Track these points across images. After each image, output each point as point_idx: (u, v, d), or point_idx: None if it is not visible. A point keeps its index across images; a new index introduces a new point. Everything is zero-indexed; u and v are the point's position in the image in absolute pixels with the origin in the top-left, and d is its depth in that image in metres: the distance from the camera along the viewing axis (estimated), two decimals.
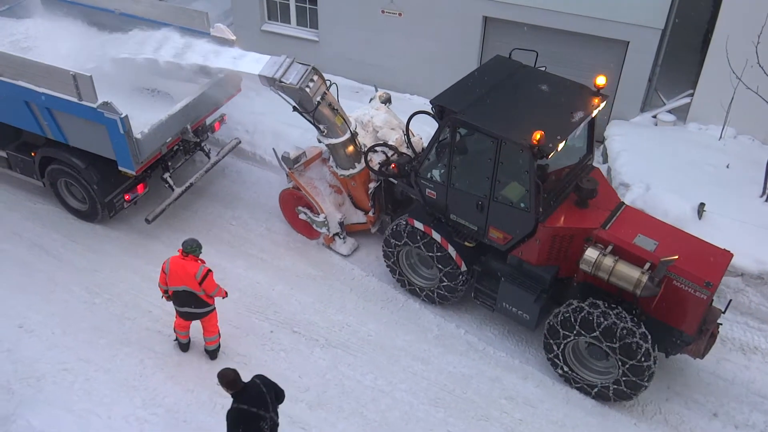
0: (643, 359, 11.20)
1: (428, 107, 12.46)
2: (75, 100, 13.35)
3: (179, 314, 12.19)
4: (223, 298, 12.21)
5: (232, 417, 9.55)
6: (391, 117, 14.79)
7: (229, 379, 9.61)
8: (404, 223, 13.36)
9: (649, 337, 11.24)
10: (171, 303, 12.15)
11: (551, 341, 12.22)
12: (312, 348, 13.08)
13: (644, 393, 12.20)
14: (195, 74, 14.92)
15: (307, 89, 13.02)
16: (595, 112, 11.94)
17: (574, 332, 11.72)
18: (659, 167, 15.24)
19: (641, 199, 14.25)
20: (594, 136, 12.72)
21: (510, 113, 11.74)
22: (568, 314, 11.75)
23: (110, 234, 15.41)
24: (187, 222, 15.70)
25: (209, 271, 11.68)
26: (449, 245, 12.95)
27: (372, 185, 14.51)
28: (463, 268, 13.06)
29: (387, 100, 15.06)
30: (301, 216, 14.97)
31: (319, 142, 14.15)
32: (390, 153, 14.21)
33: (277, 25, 20.92)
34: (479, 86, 12.34)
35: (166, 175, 15.26)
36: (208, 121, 15.95)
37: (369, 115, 14.76)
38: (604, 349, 11.51)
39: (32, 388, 12.19)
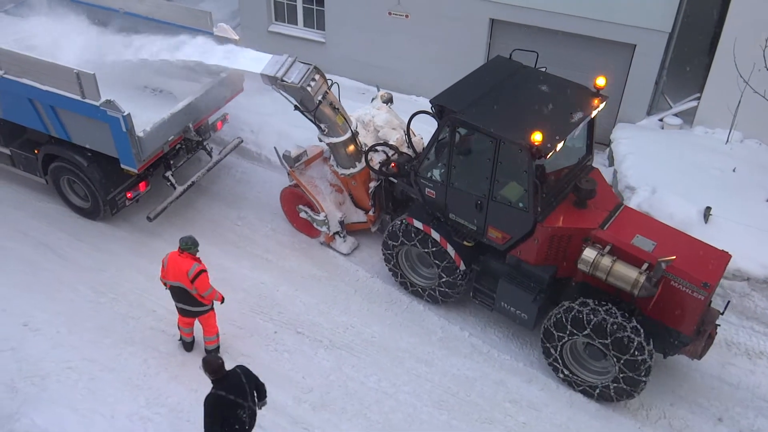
0: (636, 353, 11.20)
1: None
2: (78, 97, 13.43)
3: (178, 309, 12.23)
4: (220, 302, 12.20)
5: (210, 402, 9.68)
6: (393, 117, 14.84)
7: (214, 366, 9.76)
8: (401, 222, 13.45)
9: (642, 330, 11.26)
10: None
11: (548, 345, 12.30)
12: (316, 349, 13.08)
13: (649, 398, 12.23)
14: (198, 73, 14.99)
15: (309, 88, 13.07)
16: (594, 113, 11.99)
17: (567, 333, 11.80)
18: (665, 170, 15.20)
19: (647, 203, 14.22)
20: (594, 137, 12.73)
21: (509, 113, 11.78)
22: (559, 315, 11.85)
23: (116, 233, 15.44)
24: (193, 222, 15.72)
25: (202, 271, 11.66)
26: (448, 244, 12.99)
27: (372, 184, 14.56)
28: (462, 267, 13.08)
29: (388, 100, 15.11)
30: (302, 214, 15.03)
31: (320, 141, 14.20)
32: (391, 152, 14.25)
33: (284, 26, 20.92)
34: (479, 86, 12.40)
35: (168, 174, 15.29)
36: (211, 120, 15.99)
37: (370, 114, 14.82)
38: (597, 346, 11.56)
39: (36, 386, 12.20)
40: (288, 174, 15.03)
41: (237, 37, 15.21)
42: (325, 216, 14.61)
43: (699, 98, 17.26)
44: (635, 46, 16.62)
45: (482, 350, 13.16)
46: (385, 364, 12.87)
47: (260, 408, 10.38)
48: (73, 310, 13.58)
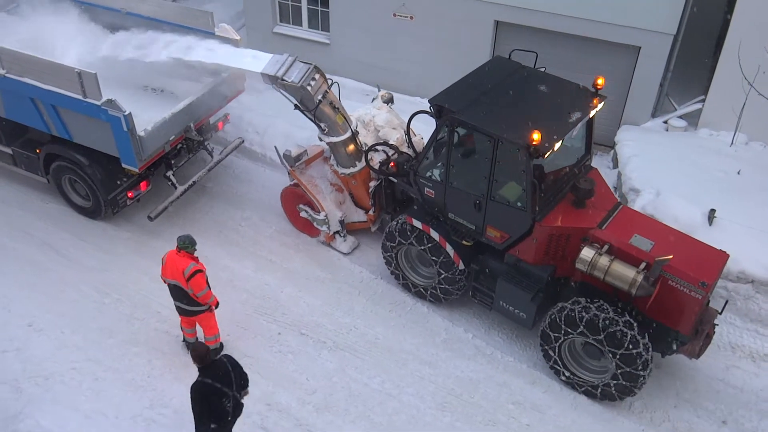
0: (631, 347, 11.23)
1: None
2: (80, 97, 13.49)
3: (176, 308, 12.25)
4: (214, 307, 12.21)
5: (196, 390, 9.82)
6: (393, 116, 14.87)
7: (199, 353, 9.89)
8: (397, 223, 13.53)
9: (635, 324, 11.28)
10: (163, 304, 12.24)
11: (546, 347, 12.37)
12: (319, 350, 13.09)
13: (652, 400, 12.25)
14: (199, 73, 15.06)
15: (309, 88, 13.13)
16: (592, 113, 12.04)
17: (562, 332, 11.88)
18: (670, 173, 15.17)
19: (651, 205, 14.20)
20: (592, 137, 12.78)
21: (508, 113, 11.81)
22: (554, 316, 11.93)
23: (121, 234, 15.47)
24: (198, 223, 15.74)
25: (198, 270, 11.67)
26: (447, 244, 13.02)
27: (372, 184, 14.60)
28: (461, 266, 13.12)
29: (389, 100, 15.15)
30: (302, 214, 15.07)
31: (320, 140, 14.25)
32: (390, 152, 14.29)
33: (288, 28, 20.94)
34: (478, 86, 12.45)
35: (169, 173, 15.35)
36: (212, 120, 16.06)
37: (371, 114, 14.87)
38: (592, 343, 11.62)
39: (41, 387, 12.23)
40: (288, 173, 15.08)
41: (238, 38, 15.27)
42: (326, 215, 14.66)
43: (704, 100, 17.23)
44: (640, 48, 16.60)
45: (486, 352, 13.15)
46: (388, 365, 12.86)
47: (242, 397, 10.46)
48: (77, 311, 13.60)
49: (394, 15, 18.96)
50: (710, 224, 13.77)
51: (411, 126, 13.64)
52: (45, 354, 12.77)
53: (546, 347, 12.37)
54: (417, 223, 13.19)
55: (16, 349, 12.84)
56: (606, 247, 11.33)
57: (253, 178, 17.27)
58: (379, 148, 14.34)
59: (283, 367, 12.74)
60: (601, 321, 11.33)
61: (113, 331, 13.23)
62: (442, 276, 13.34)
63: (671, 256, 10.83)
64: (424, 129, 13.99)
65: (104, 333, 13.18)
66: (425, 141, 13.93)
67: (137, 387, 12.25)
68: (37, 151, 15.41)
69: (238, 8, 22.84)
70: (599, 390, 12.05)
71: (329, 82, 13.61)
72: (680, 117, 17.55)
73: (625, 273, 10.98)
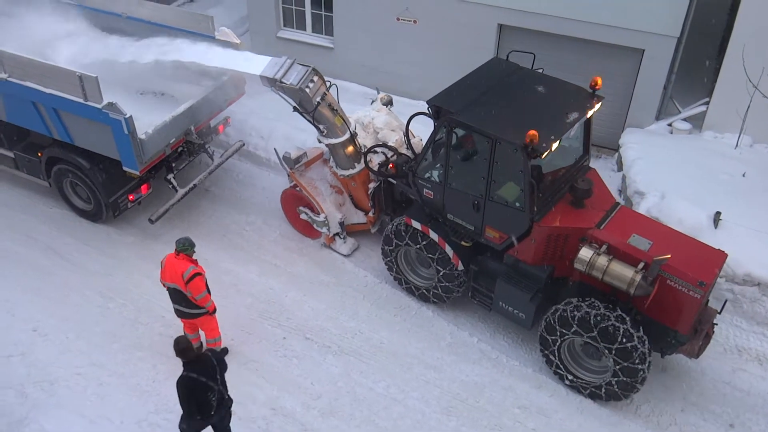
0: (624, 340, 11.25)
1: None
2: (81, 100, 13.53)
3: (175, 311, 12.25)
4: (210, 312, 12.20)
5: (182, 385, 9.96)
6: (392, 118, 14.91)
7: (180, 347, 10.01)
8: (395, 225, 13.63)
9: (627, 318, 11.30)
10: (167, 308, 12.27)
11: (546, 351, 12.45)
12: (324, 355, 13.06)
13: (659, 404, 12.23)
14: (200, 77, 15.10)
15: (307, 90, 13.17)
16: (590, 113, 12.07)
17: (558, 334, 11.95)
18: (674, 176, 15.14)
19: (656, 208, 14.17)
20: (590, 137, 12.79)
21: (505, 113, 11.84)
22: (548, 318, 12.01)
23: (125, 239, 15.47)
24: (202, 227, 15.75)
25: (197, 274, 11.69)
26: (446, 245, 13.06)
27: (372, 185, 14.65)
28: (460, 267, 13.14)
29: (388, 102, 15.21)
30: (302, 216, 15.10)
31: (319, 142, 14.27)
32: (390, 154, 14.31)
33: (292, 32, 20.96)
34: (476, 87, 12.48)
35: (170, 176, 15.38)
36: (213, 123, 16.10)
37: (370, 116, 14.91)
38: (588, 341, 11.68)
39: (45, 392, 12.22)
40: (288, 175, 15.12)
41: (238, 41, 15.32)
42: (325, 217, 14.70)
43: (708, 103, 17.21)
44: (644, 51, 16.59)
45: (491, 356, 13.12)
46: (393, 370, 12.84)
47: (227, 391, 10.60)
48: (81, 315, 13.60)
49: (398, 19, 18.97)
50: (716, 227, 13.74)
51: (410, 128, 13.67)
52: (49, 359, 12.76)
53: (546, 352, 12.44)
54: (416, 224, 13.22)
55: (21, 354, 12.84)
56: (604, 247, 11.35)
57: (257, 181, 17.27)
58: (378, 149, 14.38)
59: (287, 372, 12.72)
60: (592, 318, 11.41)
61: (117, 336, 13.22)
62: (441, 273, 13.36)
63: (669, 256, 10.85)
64: (424, 131, 13.97)
65: (108, 337, 13.17)
66: (424, 142, 13.97)
67: (142, 392, 12.24)
68: (39, 154, 15.46)
69: (242, 13, 22.90)
70: (603, 390, 12.02)
71: (328, 84, 13.64)
72: (684, 119, 17.53)
73: (623, 273, 11.00)
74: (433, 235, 13.09)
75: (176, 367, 12.47)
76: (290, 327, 13.57)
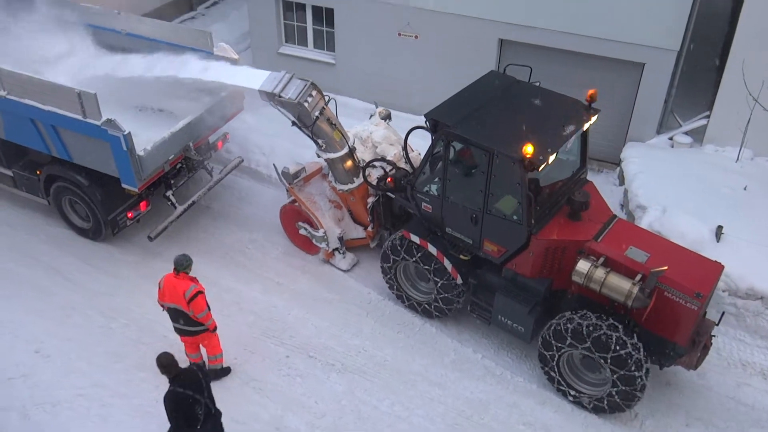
0: (618, 348, 11.28)
1: None
2: (80, 117, 13.57)
3: (175, 330, 12.25)
4: (211, 330, 12.19)
5: (169, 400, 10.02)
6: (391, 133, 14.93)
7: (163, 363, 10.10)
8: (391, 242, 13.68)
9: (619, 327, 11.36)
10: (170, 328, 12.31)
11: (546, 368, 12.50)
12: (328, 373, 13.03)
13: (664, 418, 12.21)
14: (198, 93, 15.12)
15: (306, 104, 13.22)
16: (586, 126, 12.14)
17: (554, 348, 12.03)
18: (676, 189, 15.14)
19: (658, 222, 14.15)
20: (587, 150, 12.85)
21: (502, 127, 11.94)
22: (544, 334, 12.08)
23: (126, 258, 15.46)
24: (204, 244, 15.75)
25: (199, 292, 11.69)
26: (445, 258, 13.09)
27: (371, 200, 14.69)
28: (459, 281, 13.17)
29: (386, 116, 15.23)
30: (301, 231, 15.12)
31: (318, 156, 14.30)
32: (388, 168, 14.33)
33: (294, 48, 21.01)
34: (473, 100, 12.55)
35: (169, 193, 15.41)
36: (211, 139, 16.12)
37: (368, 130, 14.94)
38: (582, 352, 11.74)
39: (48, 413, 12.20)
40: (287, 191, 15.13)
41: (237, 57, 15.41)
42: (324, 232, 14.72)
43: (708, 116, 17.21)
44: (644, 64, 16.61)
45: (495, 372, 13.09)
46: (397, 387, 12.80)
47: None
48: (83, 336, 13.58)
49: (399, 34, 19.02)
50: (718, 241, 13.74)
51: (409, 142, 13.69)
52: (52, 380, 12.74)
53: (546, 368, 12.48)
54: (415, 238, 13.26)
55: (23, 375, 12.81)
56: (602, 259, 11.41)
57: (259, 198, 17.27)
58: (376, 164, 14.41)
59: (291, 391, 12.68)
60: (584, 328, 11.47)
61: (120, 356, 13.20)
62: (440, 286, 13.39)
63: (666, 268, 10.90)
64: (422, 145, 13.99)
65: (111, 358, 13.15)
66: (423, 156, 14.02)
67: (144, 412, 12.18)
68: (38, 172, 15.48)
69: (244, 29, 23.00)
70: (605, 402, 11.99)
71: (326, 98, 13.69)
72: (685, 133, 17.54)
73: (621, 285, 11.06)
74: (432, 249, 13.13)
75: None
76: (293, 345, 13.54)
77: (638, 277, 11.08)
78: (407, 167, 14.08)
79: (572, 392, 12.33)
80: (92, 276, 14.98)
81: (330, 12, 19.81)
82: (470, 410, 12.42)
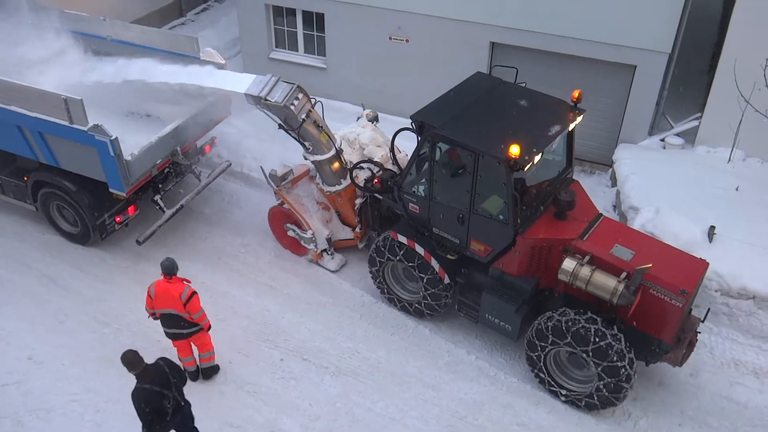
0: (598, 340, 11.34)
1: None
2: (66, 123, 13.58)
3: (167, 335, 12.26)
4: (206, 330, 12.24)
5: (136, 397, 10.14)
6: (378, 134, 15.02)
7: (127, 359, 10.25)
8: (380, 241, 13.73)
9: (598, 319, 11.45)
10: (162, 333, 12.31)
11: (535, 370, 12.60)
12: (322, 376, 13.03)
13: (657, 418, 12.24)
14: (185, 98, 15.12)
15: (292, 107, 13.28)
16: (571, 126, 12.21)
17: (539, 348, 12.12)
18: (668, 190, 15.18)
19: (651, 223, 14.18)
20: (573, 150, 12.92)
21: (488, 127, 11.99)
22: (528, 336, 12.21)
23: (119, 264, 15.44)
24: (197, 249, 15.75)
25: (194, 293, 11.74)
26: (432, 258, 13.14)
27: (358, 201, 14.74)
28: (447, 280, 13.21)
29: (374, 119, 15.32)
30: (290, 233, 15.18)
31: (305, 159, 14.34)
32: (375, 169, 14.39)
33: (284, 53, 21.02)
34: (459, 101, 12.63)
35: (157, 197, 15.45)
36: (199, 143, 16.17)
37: (355, 132, 15.04)
38: (565, 348, 11.82)
39: (42, 420, 12.17)
40: (275, 193, 15.16)
41: (223, 61, 15.45)
42: (312, 233, 14.78)
43: (700, 118, 17.26)
44: (636, 67, 16.65)
45: (489, 373, 13.10)
46: (391, 389, 12.80)
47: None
48: (76, 342, 13.55)
49: (390, 38, 19.04)
50: (710, 241, 13.76)
51: (396, 143, 13.77)
52: (45, 386, 12.71)
53: (535, 370, 12.57)
54: (402, 239, 13.30)
55: (17, 382, 12.78)
56: (587, 257, 11.49)
57: (252, 203, 17.25)
58: (364, 165, 14.47)
59: (285, 394, 12.67)
60: (563, 324, 11.58)
61: (113, 362, 12.95)
62: (426, 281, 13.42)
63: (650, 265, 10.96)
64: (410, 146, 14.03)
65: (104, 363, 13.10)
66: (409, 158, 14.07)
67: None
68: (25, 178, 15.50)
69: (234, 34, 23.01)
70: (595, 398, 12.00)
71: (313, 101, 13.74)
72: (677, 135, 17.58)
73: (606, 282, 11.14)
74: (419, 249, 13.18)
75: None
76: (287, 348, 13.53)
77: (623, 274, 11.16)
78: (394, 168, 14.14)
79: (563, 392, 12.36)
80: (84, 282, 14.96)
81: (320, 17, 19.84)
82: (464, 411, 12.43)
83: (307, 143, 13.88)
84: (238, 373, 12.96)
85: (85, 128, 13.41)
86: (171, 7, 25.65)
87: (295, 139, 13.88)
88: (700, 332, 12.47)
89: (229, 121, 16.70)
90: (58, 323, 13.95)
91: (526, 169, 11.21)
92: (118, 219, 15.16)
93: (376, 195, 14.26)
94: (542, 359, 12.25)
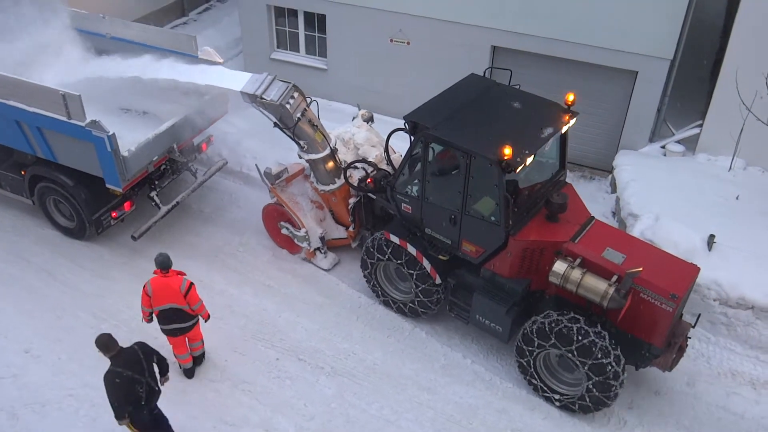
0: (580, 337, 11.38)
1: None
2: (64, 118, 13.63)
3: (167, 332, 12.28)
4: (205, 319, 12.32)
5: (107, 380, 10.26)
6: (373, 135, 15.06)
7: (101, 342, 10.34)
8: (373, 240, 13.78)
9: (581, 318, 11.49)
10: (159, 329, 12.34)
11: (527, 377, 12.64)
12: (318, 376, 13.02)
13: (653, 427, 12.23)
14: (183, 96, 15.17)
15: (288, 106, 13.31)
16: (564, 128, 12.26)
17: (526, 353, 12.20)
18: (668, 198, 15.17)
19: (650, 230, 14.14)
20: (566, 152, 12.97)
21: (481, 129, 12.03)
22: (517, 342, 12.30)
23: (117, 260, 15.44)
24: (196, 248, 15.75)
25: (192, 283, 11.82)
26: (424, 258, 13.17)
27: (352, 201, 14.77)
28: (438, 281, 13.25)
29: (369, 119, 15.35)
30: (283, 231, 15.24)
31: (300, 157, 14.39)
32: (369, 169, 14.42)
33: (286, 54, 21.04)
34: (452, 103, 12.67)
35: (153, 194, 15.49)
36: (196, 141, 16.21)
37: (350, 132, 15.06)
38: (549, 349, 11.87)
39: (37, 414, 12.17)
40: (269, 191, 15.20)
41: (221, 60, 15.50)
42: (306, 232, 14.82)
43: (701, 125, 17.26)
44: (637, 72, 16.66)
45: (485, 378, 13.08)
46: (387, 391, 12.79)
47: (162, 384, 11.00)
48: (74, 337, 13.55)
49: (391, 41, 19.04)
50: (710, 250, 13.75)
51: (391, 144, 13.79)
52: (42, 380, 12.71)
53: (527, 377, 12.61)
54: (395, 239, 13.34)
55: (13, 376, 12.79)
56: (578, 260, 11.49)
57: (251, 202, 17.23)
58: (358, 165, 14.50)
59: (281, 393, 12.67)
60: (547, 326, 11.64)
61: None
62: (418, 282, 13.45)
63: (641, 269, 10.98)
64: (405, 147, 14.04)
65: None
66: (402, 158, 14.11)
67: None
68: (23, 173, 15.57)
69: (235, 35, 23.01)
70: (587, 399, 11.97)
71: (308, 100, 13.77)
72: (678, 142, 17.58)
73: (596, 285, 11.16)
74: (412, 249, 13.21)
75: (169, 389, 12.47)
76: (284, 348, 13.53)
77: (614, 278, 11.17)
78: (389, 169, 14.16)
79: (557, 396, 12.36)
80: (83, 277, 14.97)
81: (322, 18, 19.86)
82: (459, 415, 12.41)
83: (302, 142, 13.93)
84: (234, 372, 12.96)
85: (82, 124, 13.45)
86: (173, 7, 25.71)
87: (290, 137, 13.95)
88: (690, 338, 12.46)
89: (229, 120, 16.73)
90: (56, 318, 13.95)
91: (518, 170, 11.25)
92: (114, 214, 15.21)
93: (370, 195, 14.29)
94: (532, 365, 12.28)
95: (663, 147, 17.55)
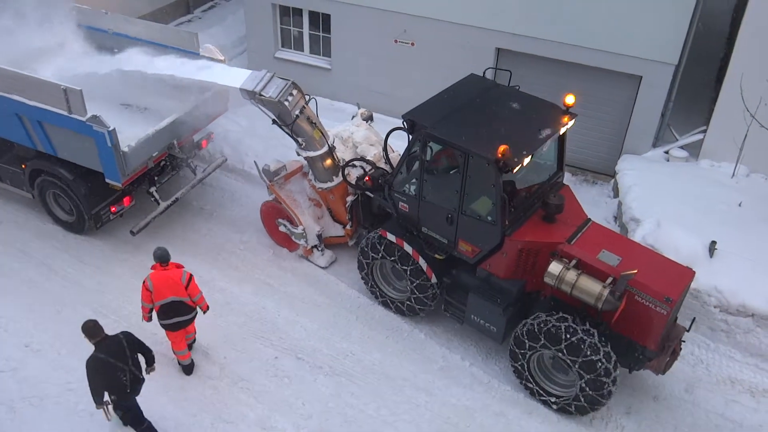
0: (569, 336, 11.40)
1: None
2: (65, 113, 13.66)
3: (168, 327, 12.28)
4: (204, 311, 12.35)
5: (89, 366, 10.43)
6: (371, 133, 15.10)
7: (86, 327, 10.47)
8: (370, 238, 13.78)
9: (568, 317, 11.53)
10: (157, 325, 12.36)
11: (523, 381, 12.67)
12: (316, 375, 13.02)
13: None
14: (183, 92, 15.18)
15: (286, 103, 13.33)
16: (563, 130, 12.26)
17: (520, 356, 12.23)
18: (671, 203, 15.13)
19: (652, 236, 14.10)
20: (564, 154, 12.98)
21: (479, 129, 12.04)
22: (510, 345, 12.35)
23: (118, 255, 15.45)
24: (197, 245, 15.76)
25: (192, 275, 11.91)
26: (420, 257, 13.18)
27: (350, 199, 14.82)
28: (434, 280, 13.25)
29: (369, 118, 15.39)
30: (281, 228, 15.24)
31: (298, 155, 14.42)
32: (367, 167, 14.45)
33: (290, 53, 21.05)
34: (452, 102, 12.71)
35: (152, 189, 15.53)
36: (196, 138, 16.28)
37: (349, 131, 15.11)
38: (540, 350, 11.89)
39: (36, 408, 12.18)
40: (267, 188, 15.23)
41: (222, 58, 15.51)
42: (304, 229, 14.84)
43: (705, 131, 17.22)
44: (642, 77, 16.63)
45: (483, 380, 13.07)
46: (384, 392, 12.79)
47: (148, 373, 11.17)
48: (74, 332, 13.35)
49: (396, 41, 19.04)
50: (711, 256, 13.73)
51: (390, 143, 13.80)
52: (41, 375, 12.72)
53: (522, 381, 12.63)
54: (391, 237, 13.35)
55: (13, 369, 12.81)
56: (574, 261, 11.49)
57: (252, 200, 17.19)
58: (356, 163, 14.54)
59: (279, 392, 12.67)
60: (536, 327, 11.68)
61: None
62: (415, 285, 13.47)
63: (636, 271, 10.98)
64: (403, 146, 14.04)
65: None
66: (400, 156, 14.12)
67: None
68: (23, 166, 15.61)
69: (240, 33, 23.04)
70: (582, 398, 11.94)
71: (307, 97, 13.79)
72: (681, 147, 17.56)
73: (591, 287, 11.17)
74: (408, 248, 13.22)
75: (168, 384, 12.55)
76: (282, 347, 13.53)
77: (609, 280, 11.17)
78: (387, 167, 14.17)
79: (553, 399, 12.36)
80: (84, 272, 14.98)
81: (326, 18, 19.88)
82: (456, 417, 12.40)
83: (300, 139, 13.97)
84: (233, 369, 12.96)
85: (83, 118, 13.48)
86: (178, 4, 25.74)
87: (289, 134, 13.98)
88: (684, 341, 12.45)
89: (231, 118, 16.73)
90: (56, 312, 13.96)
91: (515, 170, 11.27)
92: (113, 209, 15.25)
93: (368, 193, 14.31)
94: (526, 368, 12.29)
95: (666, 152, 17.52)
